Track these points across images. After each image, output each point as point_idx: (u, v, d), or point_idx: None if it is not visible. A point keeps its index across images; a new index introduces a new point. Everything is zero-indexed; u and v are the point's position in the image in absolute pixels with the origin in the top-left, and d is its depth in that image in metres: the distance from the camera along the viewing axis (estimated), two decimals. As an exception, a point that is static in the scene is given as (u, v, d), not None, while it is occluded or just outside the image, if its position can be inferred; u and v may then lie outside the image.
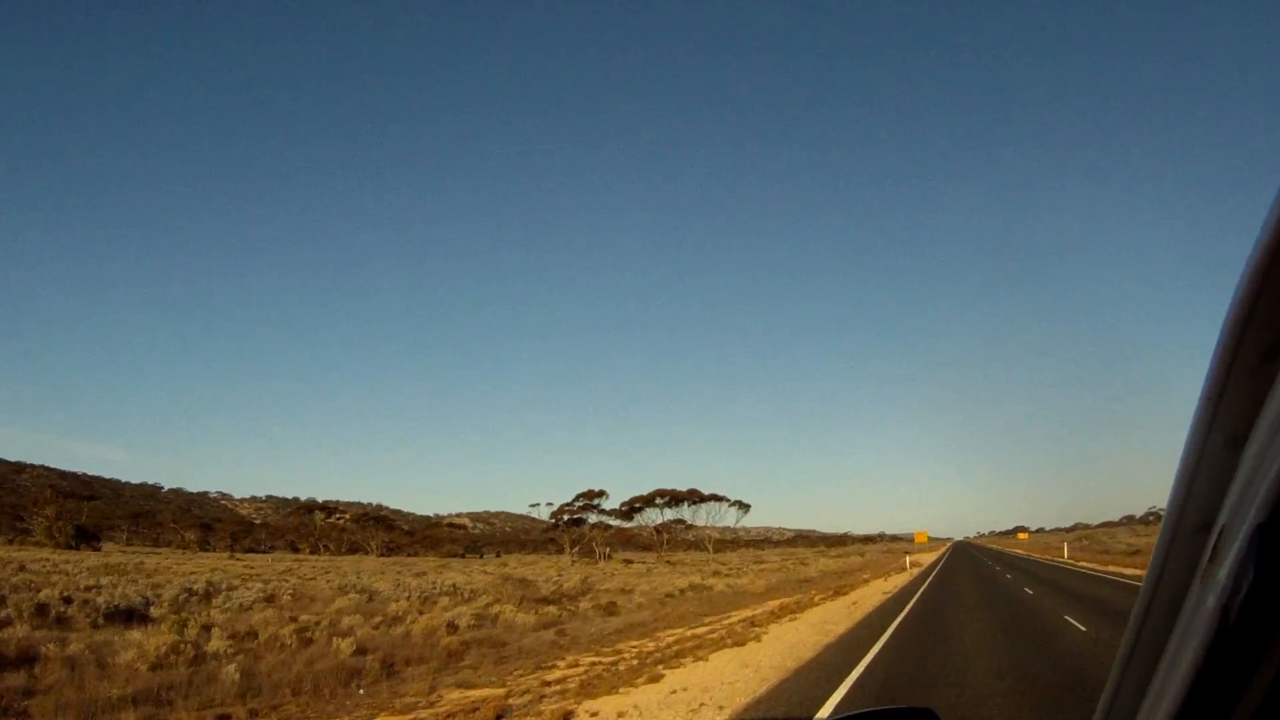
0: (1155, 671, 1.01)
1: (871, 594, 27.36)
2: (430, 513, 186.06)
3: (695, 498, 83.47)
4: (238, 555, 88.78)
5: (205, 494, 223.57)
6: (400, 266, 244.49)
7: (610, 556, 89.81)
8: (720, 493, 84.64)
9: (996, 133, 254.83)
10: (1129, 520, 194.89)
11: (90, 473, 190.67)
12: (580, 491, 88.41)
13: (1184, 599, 0.94)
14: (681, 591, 34.02)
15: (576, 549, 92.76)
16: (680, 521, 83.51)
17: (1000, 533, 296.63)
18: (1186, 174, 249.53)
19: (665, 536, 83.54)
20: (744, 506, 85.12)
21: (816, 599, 26.16)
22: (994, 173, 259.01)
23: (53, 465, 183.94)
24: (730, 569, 56.00)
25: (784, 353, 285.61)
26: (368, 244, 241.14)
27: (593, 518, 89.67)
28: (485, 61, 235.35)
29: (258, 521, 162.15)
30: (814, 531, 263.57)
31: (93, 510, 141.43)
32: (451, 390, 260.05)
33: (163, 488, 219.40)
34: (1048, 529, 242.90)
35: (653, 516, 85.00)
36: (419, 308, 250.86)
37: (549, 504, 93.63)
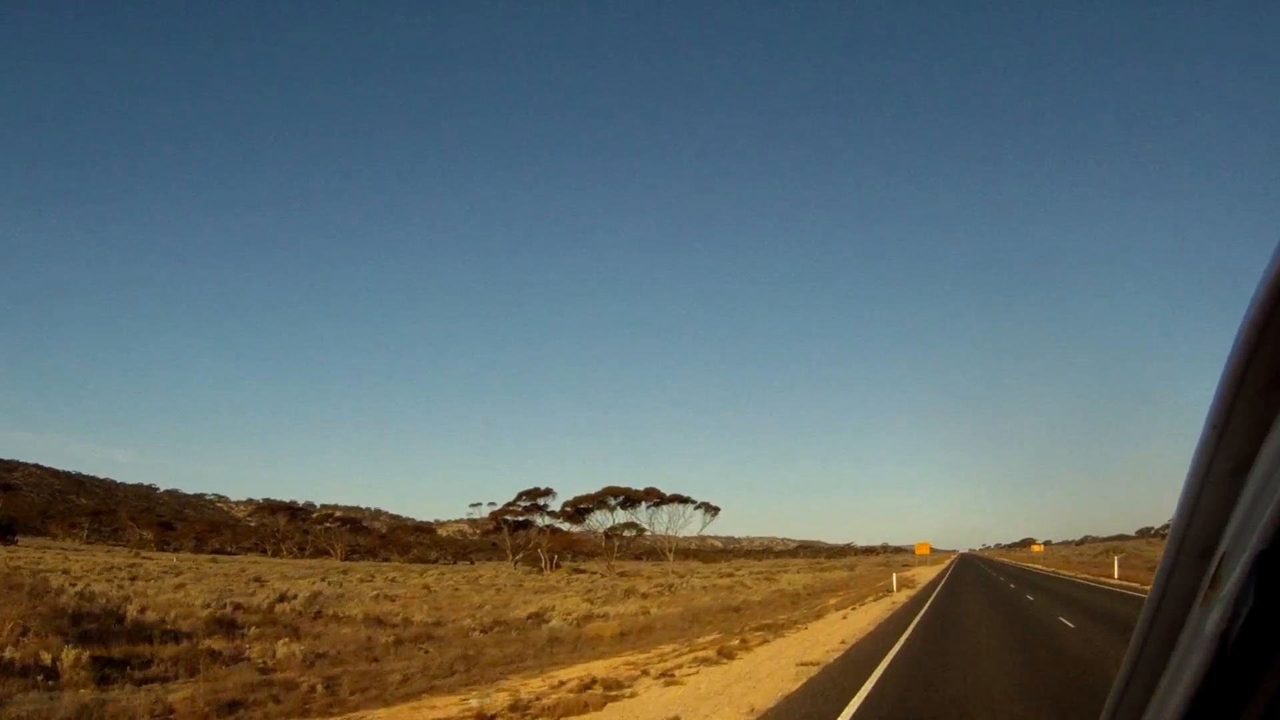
0: (1153, 693, 0.98)
1: (779, 666, 12.30)
2: (432, 518, 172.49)
3: (655, 498, 68.51)
4: (146, 554, 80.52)
5: (201, 496, 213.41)
6: (401, 267, 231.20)
7: (558, 564, 74.98)
8: (688, 494, 69.69)
9: (1014, 138, 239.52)
10: (1146, 533, 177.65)
11: (86, 472, 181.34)
12: (523, 490, 73.82)
13: (1184, 622, 0.92)
14: (493, 626, 19.18)
15: (520, 555, 78.12)
16: (633, 525, 68.53)
17: (1007, 545, 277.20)
18: (1208, 182, 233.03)
19: (616, 543, 68.40)
20: (711, 510, 70.15)
21: (652, 676, 11.23)
22: (1007, 177, 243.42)
23: (47, 464, 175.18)
24: (661, 586, 41.09)
25: (787, 360, 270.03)
26: (362, 245, 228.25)
27: (542, 520, 75.01)
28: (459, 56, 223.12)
29: (253, 524, 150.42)
30: (819, 542, 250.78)
31: (26, 504, 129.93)
32: (454, 396, 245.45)
33: (158, 489, 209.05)
34: (1055, 541, 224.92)
35: (604, 519, 70.14)
36: (419, 309, 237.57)
37: (491, 504, 78.88)
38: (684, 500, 69.19)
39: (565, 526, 73.38)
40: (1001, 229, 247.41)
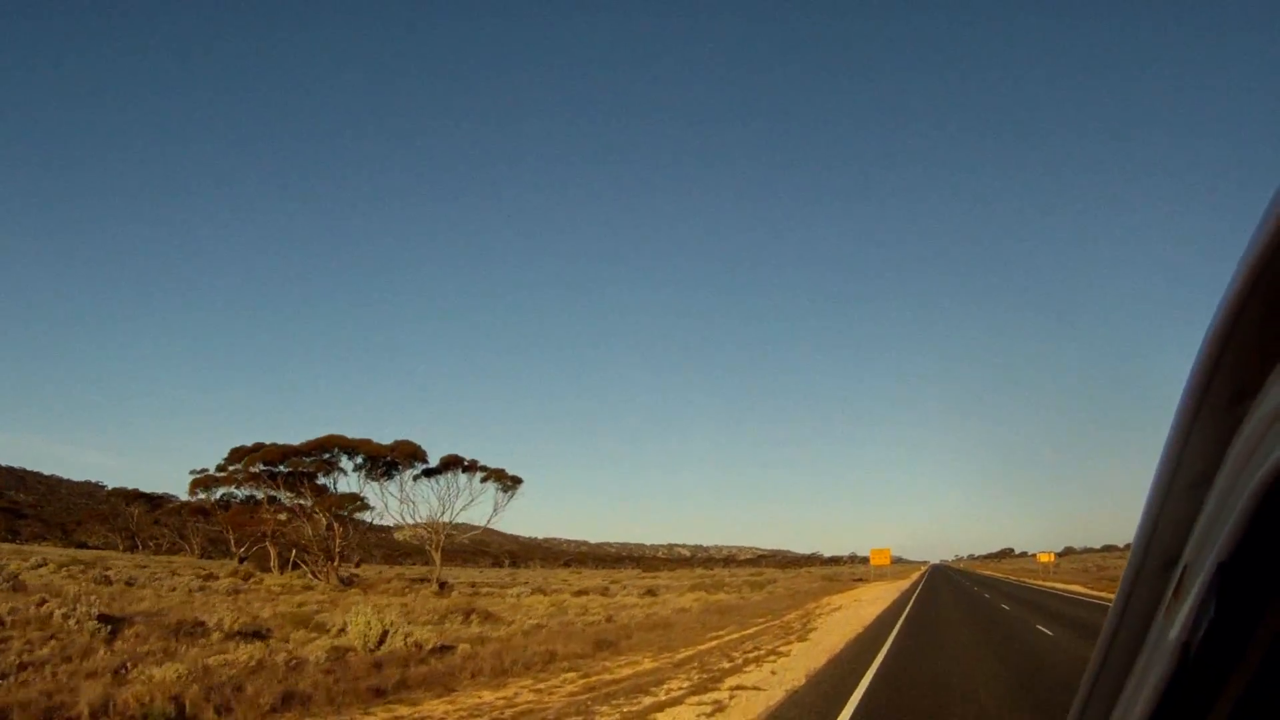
0: (1116, 704, 0.94)
1: None
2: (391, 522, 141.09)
3: (407, 455, 37.13)
4: None
5: (152, 494, 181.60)
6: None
7: (296, 564, 43.52)
8: (472, 457, 38.48)
9: (992, 151, 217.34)
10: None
11: (29, 468, 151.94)
12: (237, 446, 42.61)
13: (1147, 634, 0.88)
14: None
15: (245, 549, 47.15)
16: (355, 498, 37.00)
17: (983, 555, 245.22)
18: (1187, 197, 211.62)
19: (339, 532, 36.85)
20: (510, 481, 38.71)
21: None
22: (980, 187, 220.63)
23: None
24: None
25: (763, 364, 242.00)
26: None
27: (283, 497, 43.36)
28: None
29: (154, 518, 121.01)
30: (787, 552, 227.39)
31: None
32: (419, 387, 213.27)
33: (105, 486, 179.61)
34: (1031, 553, 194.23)
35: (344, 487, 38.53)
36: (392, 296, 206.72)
37: (221, 470, 47.19)
38: (466, 467, 37.85)
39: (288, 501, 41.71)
40: (985, 236, 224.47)
